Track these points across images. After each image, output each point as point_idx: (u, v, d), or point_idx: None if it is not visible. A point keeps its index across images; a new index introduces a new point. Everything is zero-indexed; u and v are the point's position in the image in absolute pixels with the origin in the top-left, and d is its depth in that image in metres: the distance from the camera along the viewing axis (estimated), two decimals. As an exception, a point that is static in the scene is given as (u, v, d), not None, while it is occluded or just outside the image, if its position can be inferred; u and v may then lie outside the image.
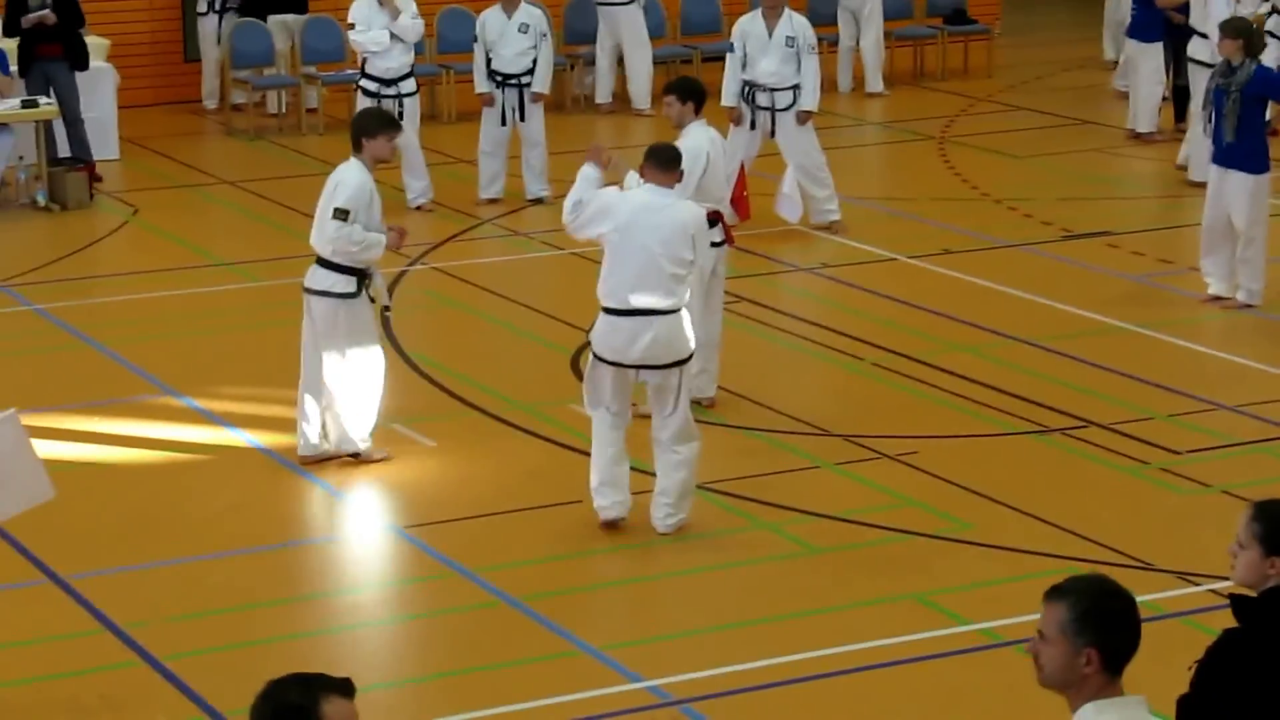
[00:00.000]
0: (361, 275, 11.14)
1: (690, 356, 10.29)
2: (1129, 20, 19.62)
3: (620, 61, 21.34)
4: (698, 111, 11.78)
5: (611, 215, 10.20)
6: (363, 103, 17.05)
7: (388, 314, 11.24)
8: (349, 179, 11.10)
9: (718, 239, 11.81)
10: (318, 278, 11.16)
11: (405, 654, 9.40)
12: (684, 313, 10.22)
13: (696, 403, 11.50)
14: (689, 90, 11.87)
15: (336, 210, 10.99)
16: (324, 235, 11.06)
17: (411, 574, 10.09)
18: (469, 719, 8.58)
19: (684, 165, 10.68)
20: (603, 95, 21.26)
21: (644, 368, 10.19)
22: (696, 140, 11.67)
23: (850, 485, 11.05)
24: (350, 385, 11.17)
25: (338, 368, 11.15)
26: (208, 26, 20.75)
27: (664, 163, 10.33)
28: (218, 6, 20.59)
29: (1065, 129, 19.99)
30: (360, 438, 11.28)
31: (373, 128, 11.19)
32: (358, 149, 11.16)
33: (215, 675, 8.96)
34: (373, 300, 11.24)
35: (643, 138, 19.79)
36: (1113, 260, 15.37)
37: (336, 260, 11.08)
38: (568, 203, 10.42)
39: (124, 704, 8.75)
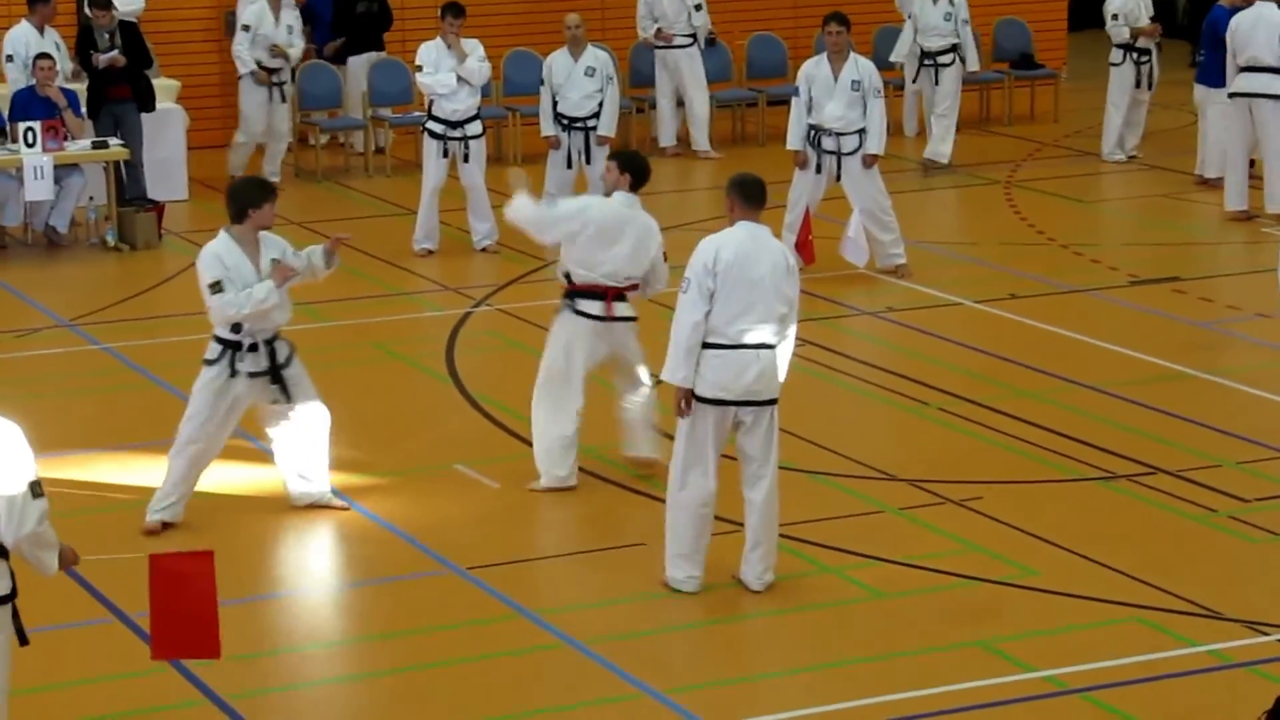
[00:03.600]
0: (227, 345, 10.95)
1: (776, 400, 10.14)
2: (1197, 66, 19.57)
3: (680, 104, 21.41)
4: (633, 188, 11.46)
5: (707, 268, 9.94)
6: (429, 145, 17.13)
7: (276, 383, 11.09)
8: (203, 255, 10.86)
9: None
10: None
11: (468, 696, 9.38)
12: (779, 351, 10.10)
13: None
14: (630, 164, 11.57)
15: (210, 287, 10.80)
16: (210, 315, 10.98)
17: (474, 616, 10.08)
18: (531, 762, 8.59)
19: (569, 211, 11.46)
20: (666, 139, 21.27)
21: (745, 404, 9.99)
22: (613, 206, 11.44)
23: (915, 530, 11.01)
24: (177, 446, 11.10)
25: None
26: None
27: (752, 196, 10.08)
28: None
29: (1132, 174, 19.91)
30: (153, 509, 11.11)
31: (258, 198, 10.88)
32: (240, 219, 10.87)
33: (277, 715, 9.00)
34: (237, 374, 10.96)
35: (705, 180, 19.86)
36: (1180, 306, 15.29)
37: (221, 333, 10.94)
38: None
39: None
